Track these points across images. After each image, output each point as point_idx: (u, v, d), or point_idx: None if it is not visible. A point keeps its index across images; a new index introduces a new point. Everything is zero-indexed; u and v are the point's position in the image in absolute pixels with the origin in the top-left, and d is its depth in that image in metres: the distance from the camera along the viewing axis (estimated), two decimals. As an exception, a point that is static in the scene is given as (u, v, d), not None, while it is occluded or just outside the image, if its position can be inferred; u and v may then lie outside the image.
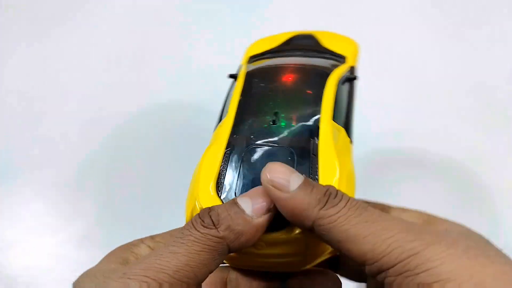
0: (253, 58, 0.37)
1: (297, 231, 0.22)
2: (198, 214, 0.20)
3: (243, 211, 0.20)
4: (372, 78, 0.66)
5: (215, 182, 0.25)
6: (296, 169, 0.23)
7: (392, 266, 0.17)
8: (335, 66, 0.33)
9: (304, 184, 0.20)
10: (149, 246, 0.23)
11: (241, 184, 0.25)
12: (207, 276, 0.19)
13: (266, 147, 0.27)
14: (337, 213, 0.18)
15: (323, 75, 0.32)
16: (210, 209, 0.20)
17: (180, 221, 0.51)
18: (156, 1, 0.72)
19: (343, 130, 0.30)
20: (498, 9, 0.76)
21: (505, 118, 0.60)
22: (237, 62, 0.39)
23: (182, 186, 0.54)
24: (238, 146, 0.27)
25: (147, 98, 0.61)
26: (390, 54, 0.70)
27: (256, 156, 0.26)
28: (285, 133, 0.28)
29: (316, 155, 0.26)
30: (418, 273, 0.17)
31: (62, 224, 0.52)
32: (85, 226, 0.51)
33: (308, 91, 0.30)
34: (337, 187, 0.21)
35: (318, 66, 0.33)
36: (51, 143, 0.58)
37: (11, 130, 0.60)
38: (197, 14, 0.70)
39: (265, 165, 0.21)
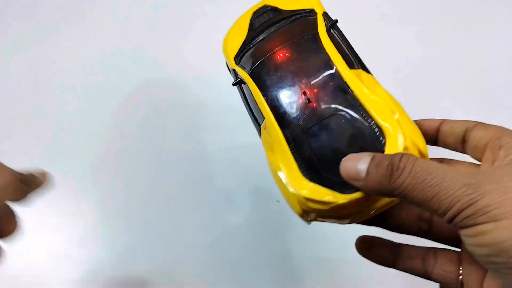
0: (237, 58, 0.37)
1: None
2: None
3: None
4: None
5: (301, 175, 0.28)
6: (353, 124, 0.28)
7: (457, 215, 0.21)
8: (314, 23, 0.35)
9: (370, 167, 0.24)
10: None
11: (322, 162, 0.29)
12: None
13: (318, 124, 0.30)
14: (403, 183, 0.22)
15: (312, 37, 0.34)
16: None
17: (178, 219, 0.51)
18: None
19: (361, 71, 0.32)
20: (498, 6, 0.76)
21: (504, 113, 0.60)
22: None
23: (181, 185, 0.54)
24: (296, 137, 0.30)
25: (147, 99, 0.61)
26: (389, 48, 0.70)
27: (316, 135, 0.30)
28: (323, 103, 0.31)
29: (360, 104, 0.29)
30: (477, 217, 0.21)
31: (63, 224, 0.52)
32: (86, 226, 0.51)
33: (312, 58, 0.33)
34: (394, 110, 0.27)
35: (302, 32, 0.35)
36: (52, 143, 0.59)
37: (12, 130, 0.60)
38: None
39: (329, 136, 0.29)
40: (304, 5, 0.37)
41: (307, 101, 0.31)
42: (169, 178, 0.55)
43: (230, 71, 0.40)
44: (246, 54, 0.38)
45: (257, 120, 0.35)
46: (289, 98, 0.32)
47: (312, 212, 0.30)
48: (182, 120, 0.59)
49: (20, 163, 0.56)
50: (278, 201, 0.52)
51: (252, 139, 0.38)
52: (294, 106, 0.32)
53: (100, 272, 0.49)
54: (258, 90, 0.33)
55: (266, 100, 0.33)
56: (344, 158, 0.26)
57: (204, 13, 0.68)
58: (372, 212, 0.29)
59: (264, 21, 0.39)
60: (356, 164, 0.24)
